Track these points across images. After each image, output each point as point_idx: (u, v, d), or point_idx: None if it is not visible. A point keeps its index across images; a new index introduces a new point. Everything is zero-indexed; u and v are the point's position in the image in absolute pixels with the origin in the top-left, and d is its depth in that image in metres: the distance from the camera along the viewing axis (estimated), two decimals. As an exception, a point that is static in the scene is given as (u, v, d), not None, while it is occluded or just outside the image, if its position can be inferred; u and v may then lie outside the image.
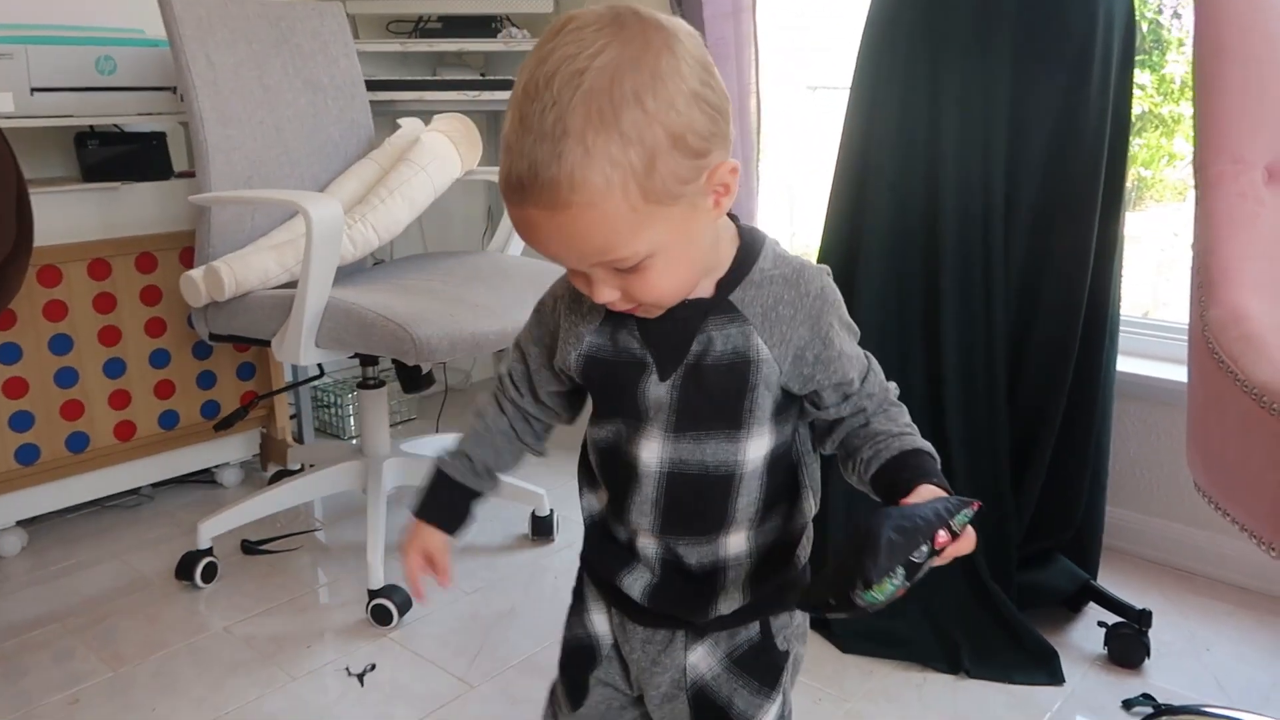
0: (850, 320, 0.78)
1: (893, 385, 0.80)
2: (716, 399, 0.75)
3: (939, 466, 0.74)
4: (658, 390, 0.75)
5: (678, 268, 0.68)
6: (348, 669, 1.53)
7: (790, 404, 0.78)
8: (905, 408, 0.79)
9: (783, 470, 0.80)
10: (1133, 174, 2.30)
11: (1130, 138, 1.54)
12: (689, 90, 0.63)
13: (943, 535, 0.63)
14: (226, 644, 1.61)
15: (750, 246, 0.75)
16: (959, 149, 1.48)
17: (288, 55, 1.91)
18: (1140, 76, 2.22)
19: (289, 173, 1.88)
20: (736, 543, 0.80)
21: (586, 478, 0.86)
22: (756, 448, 0.77)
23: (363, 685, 1.49)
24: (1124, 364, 1.79)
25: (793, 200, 2.87)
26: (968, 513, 0.66)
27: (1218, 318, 1.04)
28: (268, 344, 1.67)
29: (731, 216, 0.75)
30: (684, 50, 0.63)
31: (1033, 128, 1.48)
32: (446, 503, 0.87)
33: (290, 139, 1.89)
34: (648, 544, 0.81)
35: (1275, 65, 1.12)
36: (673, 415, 0.76)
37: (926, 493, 0.69)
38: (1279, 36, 1.12)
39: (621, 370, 0.76)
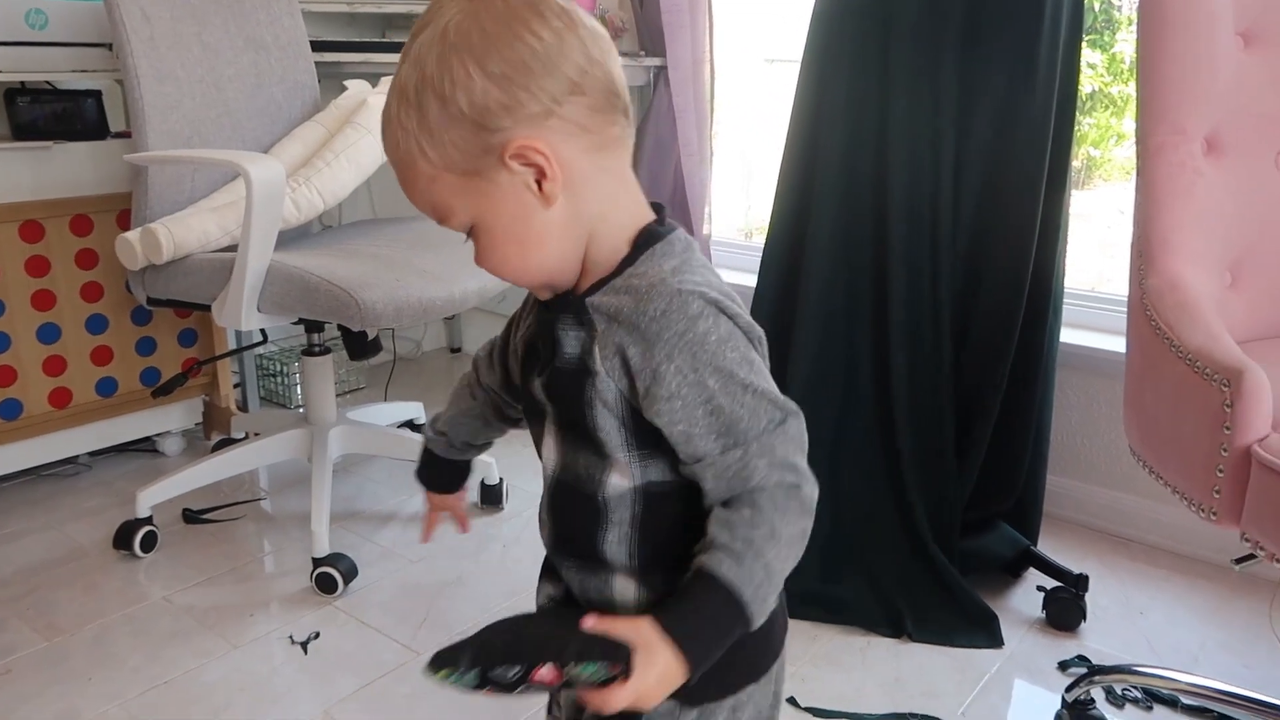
0: (737, 375, 0.64)
1: (803, 482, 0.66)
2: (570, 408, 0.68)
3: (712, 602, 0.62)
4: (537, 384, 0.72)
5: (504, 245, 0.65)
6: (291, 637, 1.51)
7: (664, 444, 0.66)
8: (793, 509, 0.65)
9: (672, 523, 0.68)
10: (1082, 153, 2.33)
11: (1076, 117, 1.56)
12: (479, 58, 0.61)
13: (546, 671, 0.59)
14: (166, 613, 1.58)
15: (639, 249, 0.66)
16: (907, 127, 1.49)
17: (228, 12, 1.85)
18: (1091, 56, 2.25)
19: (230, 134, 1.83)
20: (624, 588, 0.71)
21: None
22: (617, 479, 0.68)
23: (306, 653, 1.48)
24: (1068, 336, 1.82)
25: (749, 172, 2.87)
26: (599, 670, 0.59)
27: (1155, 286, 1.05)
28: (208, 309, 1.63)
29: (660, 214, 0.69)
30: (497, 15, 0.61)
31: (980, 107, 1.49)
32: (440, 471, 0.92)
33: (231, 99, 1.83)
34: (550, 556, 0.78)
35: (1216, 39, 1.13)
36: (555, 408, 0.71)
37: (611, 623, 0.62)
38: (1220, 12, 1.14)
39: (528, 357, 0.74)
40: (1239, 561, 0.99)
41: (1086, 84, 2.24)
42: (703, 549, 0.64)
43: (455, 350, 2.97)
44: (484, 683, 0.59)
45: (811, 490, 0.66)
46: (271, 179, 1.49)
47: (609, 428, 0.67)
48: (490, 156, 0.62)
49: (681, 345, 0.63)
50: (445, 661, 0.59)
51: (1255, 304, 1.16)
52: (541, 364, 0.70)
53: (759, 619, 0.63)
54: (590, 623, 0.62)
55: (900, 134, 1.50)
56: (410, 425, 2.21)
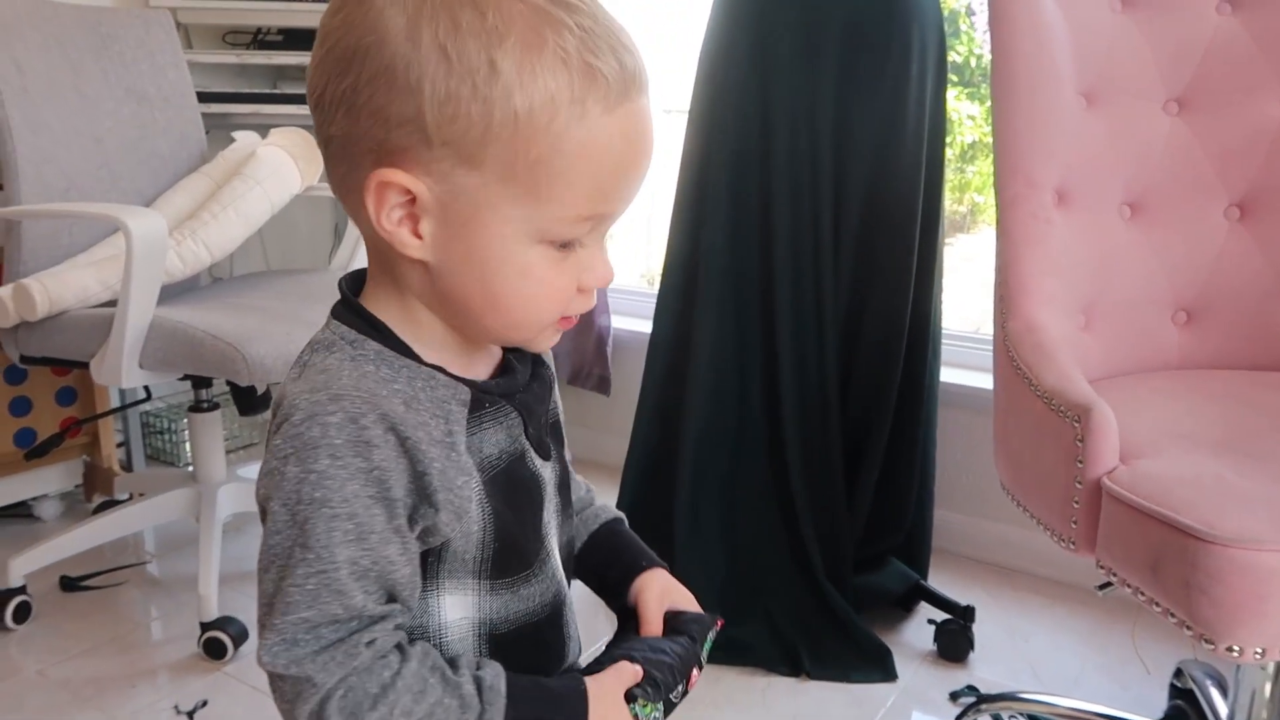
0: None
1: None
2: (554, 436, 0.67)
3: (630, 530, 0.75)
4: (547, 474, 0.64)
5: None
6: (176, 707, 1.45)
7: None
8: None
9: None
10: (968, 199, 2.45)
11: (945, 159, 1.65)
12: None
13: (695, 673, 0.66)
14: (39, 688, 1.50)
15: None
16: (789, 166, 1.55)
17: (108, 63, 1.82)
18: (970, 108, 2.38)
19: (111, 186, 1.78)
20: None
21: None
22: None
23: (192, 723, 1.42)
24: (952, 375, 1.90)
25: (650, 222, 2.91)
26: (712, 636, 0.69)
27: (1015, 329, 1.12)
28: (87, 366, 1.58)
29: None
30: None
31: (856, 148, 1.56)
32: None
33: (112, 151, 1.79)
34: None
35: (1060, 99, 1.22)
36: (558, 498, 0.66)
37: (662, 596, 0.69)
38: (1063, 74, 1.23)
39: (515, 476, 0.61)
40: (1101, 588, 1.04)
41: (968, 134, 2.37)
42: (586, 504, 0.75)
43: (354, 402, 2.91)
44: (668, 708, 0.63)
45: None
46: (152, 232, 1.46)
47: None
48: None
49: None
50: (634, 697, 0.62)
51: (1107, 344, 1.24)
52: (537, 441, 0.64)
53: None
54: (658, 630, 0.67)
55: (782, 182, 1.56)
56: (305, 480, 2.15)
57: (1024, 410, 1.04)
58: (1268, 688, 1.09)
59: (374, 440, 0.53)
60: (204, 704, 1.46)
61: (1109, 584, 0.96)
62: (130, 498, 2.00)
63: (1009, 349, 1.11)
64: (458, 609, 0.60)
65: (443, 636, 0.60)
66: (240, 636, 1.58)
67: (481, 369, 0.62)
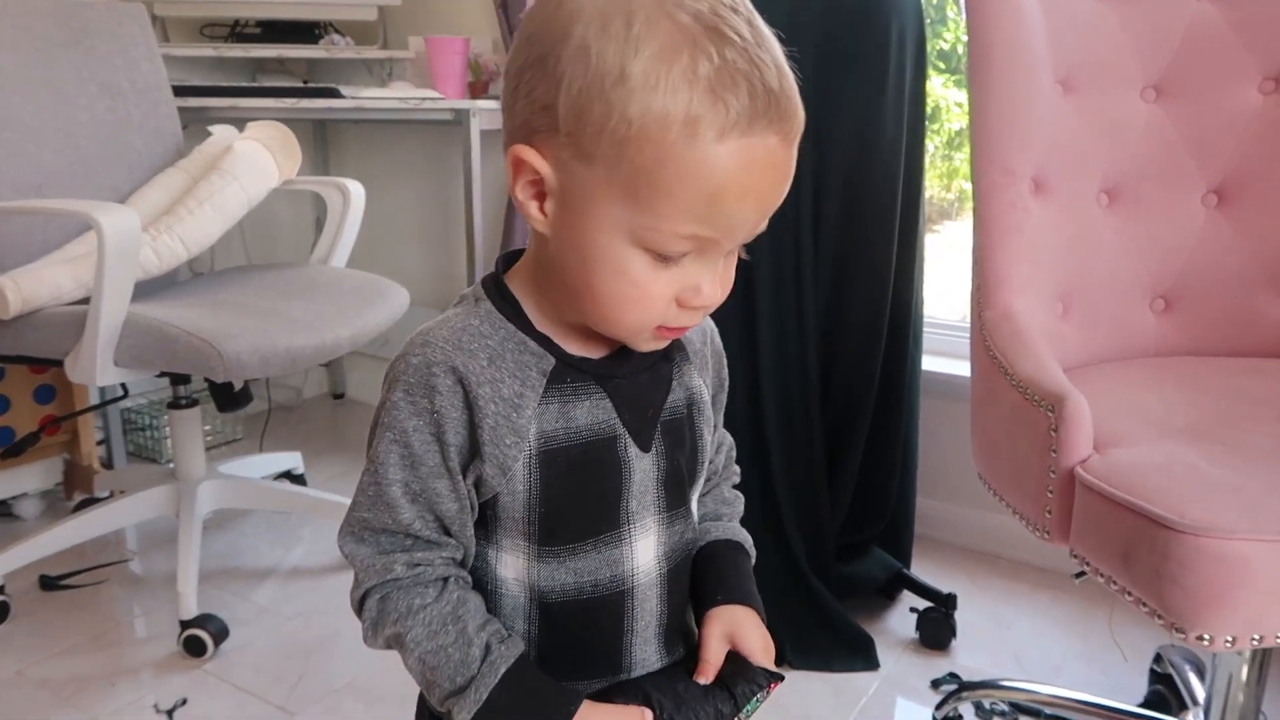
0: None
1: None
2: (687, 458, 0.67)
3: (750, 562, 0.73)
4: (642, 465, 0.64)
5: None
6: (156, 705, 1.45)
7: None
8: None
9: None
10: (956, 186, 2.45)
11: (925, 148, 1.64)
12: None
13: None
14: (18, 689, 1.49)
15: None
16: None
17: (81, 57, 1.79)
18: (958, 94, 2.37)
19: (85, 182, 1.77)
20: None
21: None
22: (696, 503, 0.71)
23: (172, 722, 1.41)
24: (938, 364, 1.90)
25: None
26: (761, 698, 0.65)
27: (992, 318, 1.11)
28: (61, 363, 1.56)
29: None
30: None
31: (836, 139, 1.55)
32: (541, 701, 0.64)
33: (86, 146, 1.77)
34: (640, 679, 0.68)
35: (1037, 87, 1.21)
36: (661, 493, 0.65)
37: (726, 636, 0.67)
38: (1040, 62, 1.22)
39: (592, 457, 0.62)
40: (1077, 576, 1.04)
41: (956, 121, 2.36)
42: (713, 517, 0.74)
43: (338, 396, 2.90)
44: None
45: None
46: (124, 228, 1.44)
47: (709, 447, 0.70)
48: None
49: (724, 359, 0.73)
50: None
51: (1085, 331, 1.23)
52: (638, 433, 0.64)
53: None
54: (707, 674, 0.66)
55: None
56: (289, 476, 2.15)
57: (999, 399, 1.04)
58: (1244, 671, 1.09)
59: (439, 387, 0.59)
60: (184, 702, 1.45)
61: (1083, 573, 0.96)
62: (110, 495, 1.99)
63: (985, 338, 1.10)
64: (511, 567, 0.64)
65: (499, 590, 0.65)
66: (220, 634, 1.57)
67: (595, 348, 0.64)
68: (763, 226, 0.59)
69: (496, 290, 0.64)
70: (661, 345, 0.63)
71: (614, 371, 0.63)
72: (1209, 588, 0.74)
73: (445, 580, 0.63)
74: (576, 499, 0.63)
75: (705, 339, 0.71)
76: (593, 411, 0.62)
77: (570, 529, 0.63)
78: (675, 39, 0.52)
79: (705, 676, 0.65)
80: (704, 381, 0.69)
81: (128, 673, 1.53)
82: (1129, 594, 0.82)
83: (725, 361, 0.73)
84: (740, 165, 0.54)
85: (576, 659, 0.66)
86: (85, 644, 1.61)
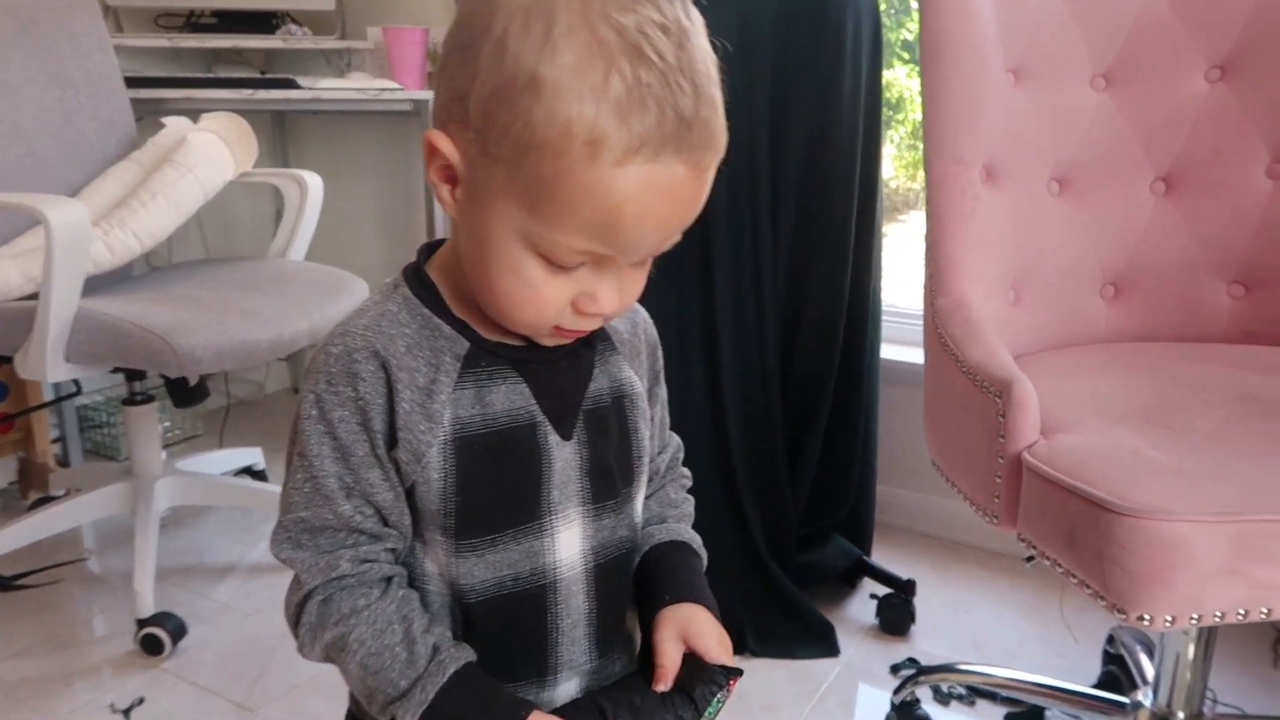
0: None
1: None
2: (615, 449, 0.66)
3: (701, 564, 0.71)
4: (563, 454, 0.63)
5: None
6: (112, 705, 1.43)
7: None
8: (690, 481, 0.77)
9: None
10: (920, 176, 2.46)
11: (882, 139, 1.65)
12: None
13: None
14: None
15: None
16: (727, 157, 1.54)
17: (30, 48, 1.76)
18: (918, 85, 2.39)
19: (36, 175, 1.73)
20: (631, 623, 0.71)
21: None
22: (641, 502, 0.70)
23: (128, 721, 1.40)
24: (898, 352, 1.91)
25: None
26: (722, 698, 0.63)
27: (944, 306, 1.13)
28: (10, 360, 1.54)
29: None
30: None
31: (792, 130, 1.55)
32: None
33: (34, 139, 1.74)
34: (572, 685, 0.66)
35: (988, 77, 1.22)
36: (586, 483, 0.64)
37: (680, 636, 0.64)
38: (990, 52, 1.23)
39: (509, 443, 0.61)
40: (1028, 560, 1.06)
41: (917, 112, 2.37)
42: (657, 520, 0.72)
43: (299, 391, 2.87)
44: None
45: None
46: (73, 222, 1.42)
47: (647, 447, 0.68)
48: None
49: (659, 349, 0.71)
50: None
51: (1036, 318, 1.25)
52: (559, 421, 0.63)
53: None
54: (665, 680, 0.63)
55: (720, 172, 1.55)
56: (249, 472, 2.12)
57: (950, 385, 1.05)
58: (1190, 650, 1.12)
59: (362, 374, 0.59)
60: (141, 701, 1.44)
61: (1033, 557, 0.97)
62: (67, 493, 1.96)
63: (937, 325, 1.11)
64: (433, 563, 0.63)
65: (424, 586, 0.63)
66: (178, 632, 1.56)
67: (513, 335, 0.62)
68: (666, 246, 0.58)
69: (416, 277, 0.63)
70: (564, 342, 0.62)
71: (531, 357, 0.62)
72: (1149, 569, 0.75)
73: (389, 580, 0.62)
74: (494, 487, 0.61)
75: (636, 329, 0.70)
76: (509, 397, 0.61)
77: (488, 519, 0.61)
78: (593, 51, 0.51)
79: (663, 683, 0.63)
80: (636, 373, 0.68)
81: (84, 673, 1.51)
82: (1073, 576, 0.83)
83: (660, 353, 0.72)
84: (640, 190, 0.52)
85: (500, 660, 0.63)
86: (40, 644, 1.59)
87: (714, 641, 0.65)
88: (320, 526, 0.61)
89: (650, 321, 0.72)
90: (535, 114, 0.51)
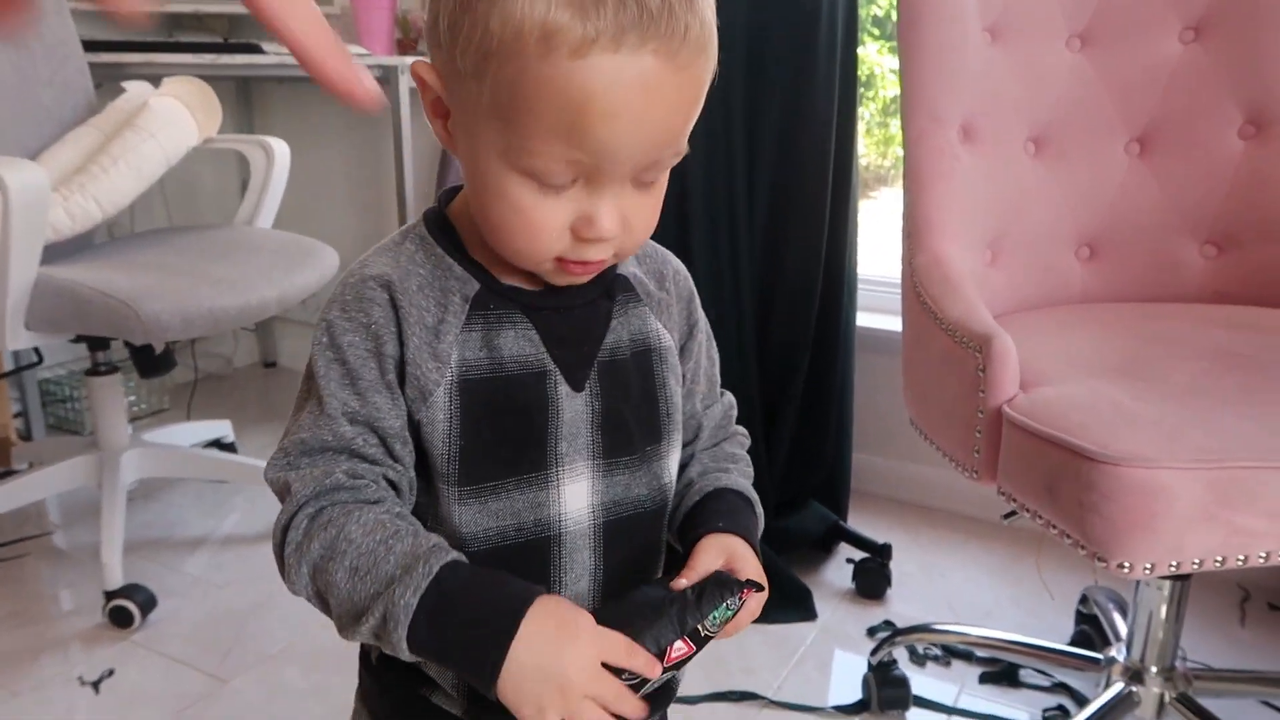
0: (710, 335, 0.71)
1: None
2: (635, 404, 0.63)
3: (759, 523, 0.67)
4: (573, 405, 0.61)
5: (664, 191, 0.59)
6: (80, 677, 1.40)
7: None
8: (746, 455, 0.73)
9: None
10: (891, 153, 2.46)
11: (857, 112, 1.64)
12: None
13: (684, 646, 0.56)
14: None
15: None
16: (703, 138, 1.53)
17: (-18, 7, 1.70)
18: (893, 61, 2.37)
19: (-10, 139, 1.68)
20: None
21: None
22: (674, 462, 0.66)
23: (98, 693, 1.37)
24: (874, 320, 1.92)
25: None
26: (733, 605, 0.58)
27: (922, 263, 1.12)
28: (-32, 329, 1.50)
29: None
30: None
31: (767, 111, 1.55)
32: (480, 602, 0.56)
33: (-12, 102, 1.69)
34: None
35: (965, 35, 1.22)
36: (597, 436, 0.62)
37: (720, 558, 0.61)
38: (967, 10, 1.23)
39: (516, 390, 0.59)
40: (1006, 516, 1.07)
41: (891, 89, 2.37)
42: (719, 469, 0.69)
43: (270, 365, 2.83)
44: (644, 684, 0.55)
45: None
46: (31, 185, 1.38)
47: (677, 403, 0.66)
48: None
49: (697, 301, 0.69)
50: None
51: (1013, 278, 1.25)
52: (570, 373, 0.61)
53: (759, 526, 0.68)
54: (688, 578, 0.59)
55: (697, 141, 1.54)
56: (218, 445, 2.09)
57: (929, 343, 1.05)
58: (1163, 609, 1.13)
59: (375, 299, 0.58)
60: (110, 673, 1.41)
61: (1013, 513, 0.97)
62: (30, 467, 1.92)
63: (916, 284, 1.11)
64: (434, 510, 0.61)
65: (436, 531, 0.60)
66: (148, 604, 1.53)
67: (531, 280, 0.61)
68: (660, 155, 0.55)
69: (435, 220, 0.62)
70: (576, 281, 0.59)
71: (544, 303, 0.60)
72: (1129, 516, 0.75)
73: (384, 500, 0.58)
74: (498, 434, 0.59)
75: (665, 281, 0.67)
76: (518, 343, 0.60)
77: (490, 466, 0.59)
78: None
79: (685, 580, 0.59)
80: (665, 326, 0.66)
81: (51, 647, 1.49)
82: (1054, 527, 0.84)
83: (696, 304, 0.69)
84: (605, 84, 0.49)
85: None
86: (5, 618, 1.56)
87: (752, 572, 0.62)
88: (319, 448, 0.58)
89: (685, 273, 0.69)
90: (491, 18, 0.50)
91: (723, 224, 1.57)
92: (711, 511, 0.65)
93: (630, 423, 0.63)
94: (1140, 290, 1.28)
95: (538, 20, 0.49)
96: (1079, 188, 1.28)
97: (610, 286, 0.63)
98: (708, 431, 0.71)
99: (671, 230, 1.59)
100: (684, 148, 0.56)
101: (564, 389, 0.60)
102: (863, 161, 2.31)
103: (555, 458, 0.60)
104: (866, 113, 2.33)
